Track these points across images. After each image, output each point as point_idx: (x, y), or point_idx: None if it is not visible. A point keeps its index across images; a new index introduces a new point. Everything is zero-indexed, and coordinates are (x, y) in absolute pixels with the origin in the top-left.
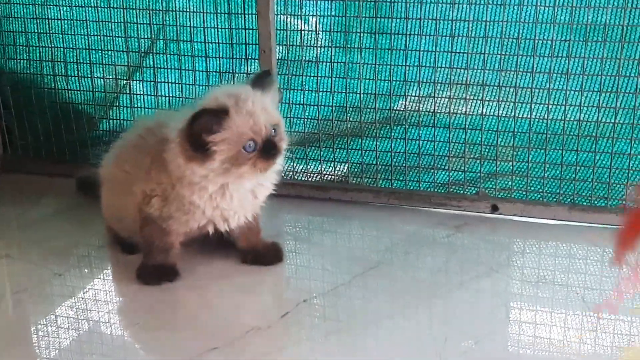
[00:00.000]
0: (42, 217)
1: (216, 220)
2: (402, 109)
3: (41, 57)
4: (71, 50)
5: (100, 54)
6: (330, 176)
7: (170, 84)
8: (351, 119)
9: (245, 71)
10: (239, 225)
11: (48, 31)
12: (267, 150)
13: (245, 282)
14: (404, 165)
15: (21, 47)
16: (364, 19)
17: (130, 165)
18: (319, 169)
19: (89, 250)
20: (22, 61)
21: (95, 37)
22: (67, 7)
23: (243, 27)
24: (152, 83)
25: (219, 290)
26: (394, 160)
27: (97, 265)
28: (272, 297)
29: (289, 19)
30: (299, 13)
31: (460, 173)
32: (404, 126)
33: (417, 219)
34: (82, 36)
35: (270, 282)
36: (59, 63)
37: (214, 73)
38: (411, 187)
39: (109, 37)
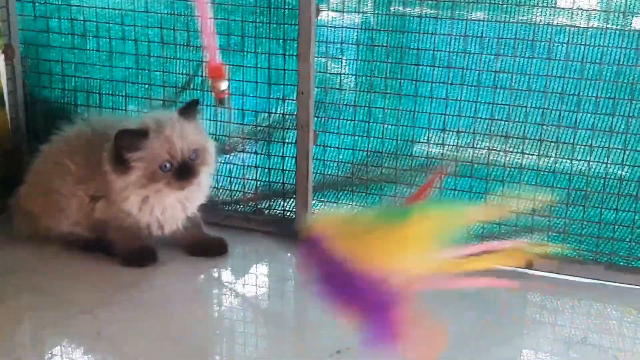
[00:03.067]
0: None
1: (152, 226)
2: (439, 158)
3: (76, 87)
4: (107, 82)
5: (136, 87)
6: None
7: (205, 121)
8: (386, 165)
9: (282, 112)
10: (175, 230)
11: (85, 61)
12: (180, 172)
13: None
14: None
15: (57, 76)
16: (405, 65)
17: (77, 160)
18: (352, 213)
19: None
20: (56, 90)
21: (133, 70)
22: (106, 39)
23: (282, 67)
24: None
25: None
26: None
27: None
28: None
29: (328, 62)
30: (340, 56)
31: (495, 226)
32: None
33: None
34: (120, 68)
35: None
36: (94, 94)
37: (250, 112)
38: None
39: (146, 71)
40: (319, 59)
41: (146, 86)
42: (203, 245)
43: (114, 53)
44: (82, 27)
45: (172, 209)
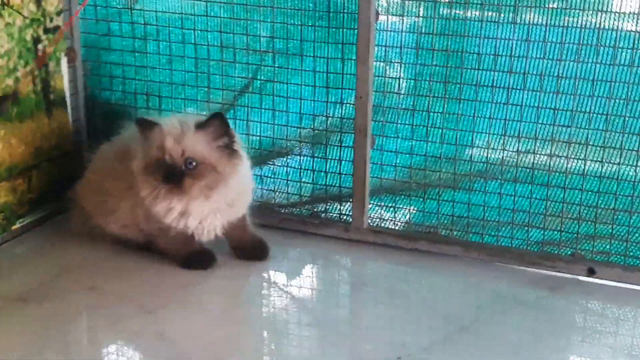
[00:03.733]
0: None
1: (190, 233)
2: (498, 163)
3: (136, 90)
4: (167, 84)
5: (195, 90)
6: (418, 226)
7: (262, 124)
8: (445, 170)
9: (340, 115)
10: (213, 238)
11: (145, 64)
12: (167, 175)
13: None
14: (497, 220)
15: (117, 78)
16: (465, 70)
17: (126, 164)
18: (408, 218)
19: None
20: (117, 92)
21: (192, 73)
22: (166, 43)
23: (341, 71)
24: (245, 122)
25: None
26: (487, 214)
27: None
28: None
29: (387, 66)
30: (399, 61)
31: (556, 232)
32: (499, 180)
33: (507, 277)
34: (179, 72)
35: (346, 331)
36: (153, 97)
37: (308, 115)
38: (503, 244)
39: (205, 74)
40: (378, 63)
41: (205, 89)
42: (246, 249)
43: (174, 56)
44: (143, 30)
45: (204, 219)
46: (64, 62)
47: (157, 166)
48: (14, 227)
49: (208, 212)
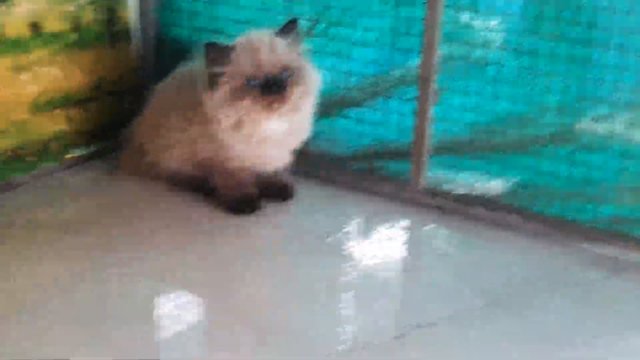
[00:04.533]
0: None
1: (255, 164)
2: (571, 128)
3: (203, 26)
4: (233, 22)
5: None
6: (479, 191)
7: (324, 70)
8: (512, 132)
9: (404, 64)
10: (279, 168)
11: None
12: (267, 87)
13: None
14: (565, 191)
15: (186, 13)
16: (544, 21)
17: (184, 98)
18: (468, 181)
19: None
20: (185, 29)
21: (259, 10)
22: None
23: (410, 16)
24: None
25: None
26: (555, 183)
27: None
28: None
29: (459, 13)
30: (472, 7)
31: (630, 209)
32: (572, 147)
33: (569, 254)
34: (246, 9)
35: (389, 293)
36: (220, 34)
37: (371, 63)
38: (569, 217)
39: (271, 12)
40: (450, 8)
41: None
42: (272, 187)
43: None
44: None
45: (274, 144)
46: None
47: (249, 83)
48: (67, 157)
49: (282, 135)
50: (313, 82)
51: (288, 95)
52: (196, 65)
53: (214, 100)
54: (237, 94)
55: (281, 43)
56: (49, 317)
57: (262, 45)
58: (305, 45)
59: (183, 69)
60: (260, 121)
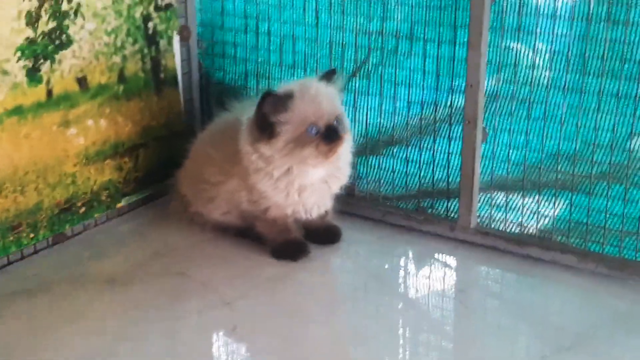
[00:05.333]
0: None
1: (297, 210)
2: (624, 165)
3: (248, 71)
4: (277, 66)
5: (303, 73)
6: (531, 230)
7: (369, 111)
8: (562, 170)
9: (450, 104)
10: (321, 213)
11: (257, 45)
12: (329, 135)
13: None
14: (620, 229)
15: (230, 58)
16: (589, 57)
17: (221, 150)
18: (520, 220)
19: None
20: (230, 73)
21: (302, 54)
22: (278, 23)
23: (452, 56)
24: (352, 108)
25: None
26: (609, 222)
27: None
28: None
29: (503, 52)
30: (516, 46)
31: None
32: (624, 185)
33: (630, 294)
34: (289, 53)
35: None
36: (264, 79)
37: (416, 103)
38: (627, 256)
39: (314, 57)
40: (494, 48)
41: (313, 73)
42: (319, 232)
43: (285, 37)
44: (256, 9)
45: (316, 190)
46: (175, 40)
47: (312, 132)
48: (119, 205)
49: (318, 182)
50: (349, 130)
51: (342, 142)
52: (235, 115)
53: (272, 149)
54: (299, 142)
55: (333, 92)
56: None
57: (321, 95)
58: (342, 93)
59: (219, 121)
60: (308, 170)
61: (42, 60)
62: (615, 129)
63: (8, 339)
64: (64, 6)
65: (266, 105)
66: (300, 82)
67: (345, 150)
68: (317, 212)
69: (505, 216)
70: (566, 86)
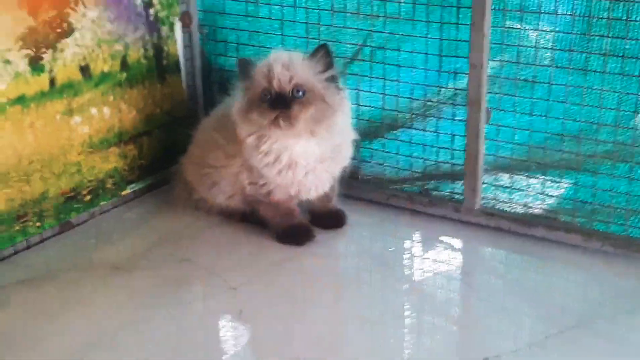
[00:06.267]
0: None
1: (296, 192)
2: (629, 144)
3: (249, 56)
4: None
5: None
6: (536, 210)
7: (372, 94)
8: (567, 150)
9: (453, 86)
10: (321, 194)
11: (258, 30)
12: (274, 101)
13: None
14: (625, 207)
15: (232, 44)
16: (593, 37)
17: (225, 134)
18: (525, 201)
19: None
20: (231, 58)
21: (303, 39)
22: (278, 7)
23: (455, 38)
24: (355, 91)
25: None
26: (614, 200)
27: None
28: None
29: (506, 32)
30: (519, 26)
31: None
32: (630, 163)
33: (635, 272)
34: (290, 37)
35: (457, 319)
36: None
37: (419, 85)
38: (632, 234)
39: (316, 40)
40: (496, 28)
41: None
42: (324, 216)
43: (285, 21)
44: None
45: (312, 171)
46: (177, 27)
47: (263, 97)
48: (124, 193)
49: (314, 161)
50: (338, 107)
51: (295, 113)
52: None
53: (235, 109)
54: (251, 107)
55: (300, 63)
56: (125, 353)
57: (278, 63)
58: (337, 71)
59: (222, 106)
60: (288, 143)
61: (44, 49)
62: (619, 107)
63: (16, 327)
64: None
65: (239, 71)
66: (277, 53)
67: (326, 129)
68: (315, 193)
69: (510, 197)
70: (570, 65)
